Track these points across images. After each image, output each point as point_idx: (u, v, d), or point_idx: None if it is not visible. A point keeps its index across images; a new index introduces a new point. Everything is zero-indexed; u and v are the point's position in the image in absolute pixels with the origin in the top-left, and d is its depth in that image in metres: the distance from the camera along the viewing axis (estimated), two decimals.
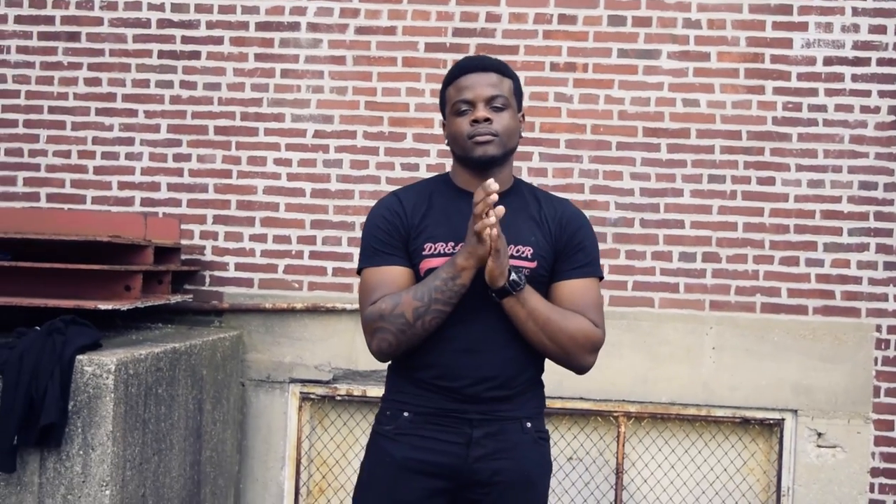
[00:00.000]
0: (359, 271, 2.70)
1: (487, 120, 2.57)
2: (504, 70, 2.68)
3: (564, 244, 2.66)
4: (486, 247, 2.42)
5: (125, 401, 3.49)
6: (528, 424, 2.65)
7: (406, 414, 2.64)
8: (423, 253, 2.60)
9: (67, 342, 3.44)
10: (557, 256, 2.65)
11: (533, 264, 2.60)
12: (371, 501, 2.64)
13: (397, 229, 2.64)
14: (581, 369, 2.65)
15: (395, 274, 2.61)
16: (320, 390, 4.90)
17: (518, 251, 2.60)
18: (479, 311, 2.54)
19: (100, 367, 3.40)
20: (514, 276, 2.49)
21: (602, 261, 4.76)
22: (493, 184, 2.35)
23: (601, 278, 2.72)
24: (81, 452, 3.40)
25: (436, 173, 4.46)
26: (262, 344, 4.91)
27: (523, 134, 2.72)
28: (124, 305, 3.88)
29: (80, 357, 3.43)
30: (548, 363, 2.68)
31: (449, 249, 2.57)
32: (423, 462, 2.58)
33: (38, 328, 3.56)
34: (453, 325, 2.54)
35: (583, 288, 2.64)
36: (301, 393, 4.92)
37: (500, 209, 2.39)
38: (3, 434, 3.32)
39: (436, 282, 2.50)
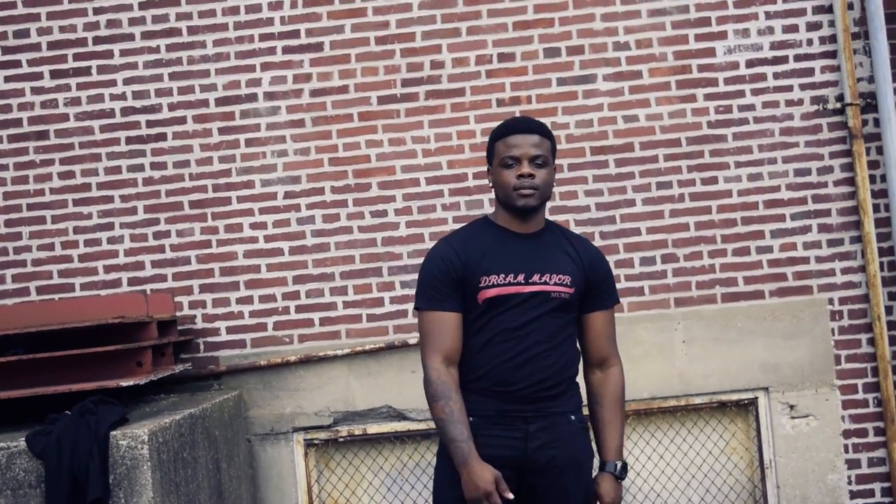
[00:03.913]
0: (417, 308, 3.29)
1: (531, 176, 3.16)
2: (545, 132, 3.27)
3: (594, 281, 3.31)
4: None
5: (160, 468, 3.84)
6: (573, 417, 3.26)
7: (471, 419, 3.16)
8: (480, 285, 3.19)
9: (100, 420, 3.80)
10: (587, 290, 3.27)
11: (571, 290, 3.22)
12: (454, 498, 3.15)
13: (450, 275, 3.22)
14: None
15: (447, 319, 3.20)
16: (323, 435, 5.25)
17: (561, 280, 3.21)
18: (529, 327, 3.13)
19: (134, 439, 3.76)
20: (622, 475, 3.33)
21: None
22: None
23: (618, 302, 3.48)
24: None
25: (404, 217, 4.90)
26: (263, 399, 5.25)
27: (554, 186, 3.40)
28: (141, 380, 4.24)
29: (113, 433, 3.78)
30: None
31: (500, 280, 3.16)
32: (490, 457, 3.11)
33: (68, 412, 3.91)
34: (504, 341, 3.16)
35: (607, 319, 3.37)
36: (305, 440, 5.27)
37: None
38: None
39: (447, 436, 3.15)
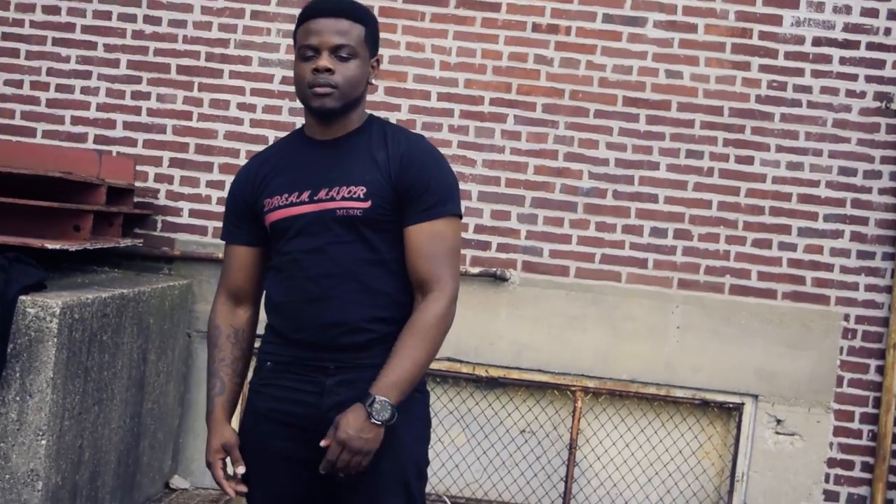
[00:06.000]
0: None
1: (328, 70, 2.55)
2: (357, 15, 2.63)
3: (408, 185, 2.60)
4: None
5: (68, 346, 3.47)
6: None
7: (269, 364, 2.68)
8: (265, 209, 2.66)
9: (11, 281, 3.41)
10: (402, 198, 2.60)
11: (366, 204, 2.57)
12: (246, 454, 2.68)
13: (238, 201, 2.73)
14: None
15: (234, 253, 2.76)
16: None
17: (350, 192, 2.58)
18: (317, 256, 2.59)
19: (44, 309, 3.38)
20: (379, 419, 2.47)
21: (570, 231, 4.86)
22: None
23: (458, 216, 2.66)
24: (18, 399, 3.37)
25: None
26: (213, 295, 4.83)
27: (373, 80, 2.69)
28: (73, 246, 3.85)
29: (22, 297, 3.40)
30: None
31: (283, 201, 2.62)
32: (282, 412, 2.62)
33: None
34: (292, 276, 2.61)
35: (430, 234, 2.60)
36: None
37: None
38: None
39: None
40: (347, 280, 2.57)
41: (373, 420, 2.45)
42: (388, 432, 2.49)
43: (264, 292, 2.74)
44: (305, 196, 2.60)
